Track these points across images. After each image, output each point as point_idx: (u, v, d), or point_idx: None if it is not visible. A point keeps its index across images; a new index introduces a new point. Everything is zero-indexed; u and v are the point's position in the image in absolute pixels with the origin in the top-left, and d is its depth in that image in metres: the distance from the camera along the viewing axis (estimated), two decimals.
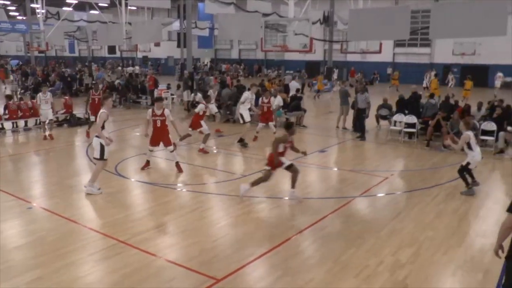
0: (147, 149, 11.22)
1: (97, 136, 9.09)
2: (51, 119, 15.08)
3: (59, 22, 27.80)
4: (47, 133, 14.64)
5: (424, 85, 31.25)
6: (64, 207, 8.44)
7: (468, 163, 9.41)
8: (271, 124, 14.53)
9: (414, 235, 7.35)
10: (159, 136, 10.89)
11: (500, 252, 4.48)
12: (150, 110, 10.97)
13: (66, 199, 8.93)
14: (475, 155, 9.37)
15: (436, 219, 8.10)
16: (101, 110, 9.16)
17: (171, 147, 10.96)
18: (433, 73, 31.34)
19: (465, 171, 9.49)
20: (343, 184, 10.40)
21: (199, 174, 11.30)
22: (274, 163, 8.75)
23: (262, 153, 13.24)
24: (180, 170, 10.97)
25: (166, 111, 10.86)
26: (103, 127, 9.03)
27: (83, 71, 33.87)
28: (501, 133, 13.04)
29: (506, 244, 4.47)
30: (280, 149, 8.78)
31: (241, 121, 14.52)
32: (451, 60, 36.26)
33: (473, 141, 9.37)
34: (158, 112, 10.76)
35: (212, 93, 16.92)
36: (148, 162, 11.19)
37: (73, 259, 6.33)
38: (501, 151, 13.09)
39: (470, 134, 9.37)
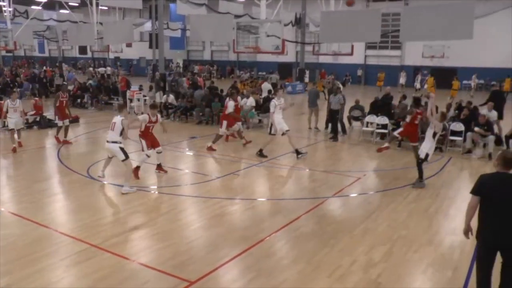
0: (145, 156, 10.71)
1: (114, 142, 9.55)
2: (21, 128, 13.70)
3: (27, 21, 27.16)
4: (15, 144, 13.20)
5: (417, 87, 32.49)
6: (35, 211, 8.28)
7: (427, 155, 9.83)
8: (237, 124, 14.34)
9: (387, 234, 7.47)
10: (152, 139, 10.80)
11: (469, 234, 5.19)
12: (146, 116, 10.54)
13: (36, 203, 8.75)
14: (432, 147, 9.91)
15: (408, 218, 8.25)
16: (121, 118, 9.58)
17: (161, 148, 10.95)
18: (420, 74, 32.58)
19: (422, 163, 10.01)
20: (316, 184, 10.49)
21: (172, 176, 11.21)
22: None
23: (234, 154, 13.27)
24: (163, 171, 11.06)
25: (159, 116, 10.94)
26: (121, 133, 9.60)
27: (54, 72, 33.23)
28: (469, 134, 13.36)
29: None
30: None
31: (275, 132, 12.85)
32: (421, 62, 36.95)
33: (438, 132, 9.89)
34: (154, 119, 10.62)
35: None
36: (138, 168, 10.64)
37: (44, 264, 6.22)
38: (469, 151, 13.42)
39: (442, 125, 9.96)
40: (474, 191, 5.03)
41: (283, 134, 12.79)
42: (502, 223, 4.80)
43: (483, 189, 4.94)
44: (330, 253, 6.70)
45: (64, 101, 14.55)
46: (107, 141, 9.71)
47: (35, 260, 6.31)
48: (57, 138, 14.33)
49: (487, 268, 4.95)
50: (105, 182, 10.23)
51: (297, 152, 12.73)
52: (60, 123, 14.48)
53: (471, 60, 34.92)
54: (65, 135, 14.34)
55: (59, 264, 6.25)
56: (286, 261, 6.49)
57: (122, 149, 9.58)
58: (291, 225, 7.82)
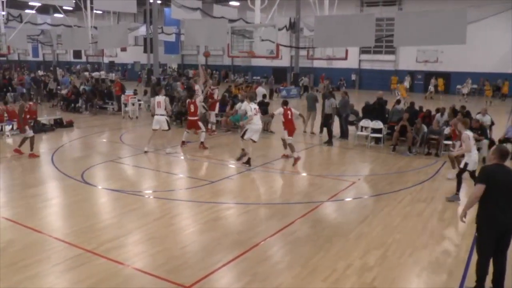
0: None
1: (162, 115, 13.41)
2: None
3: (21, 25, 27.11)
4: None
5: (431, 90, 33.21)
6: (28, 216, 8.22)
7: (466, 164, 9.40)
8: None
9: (381, 238, 7.47)
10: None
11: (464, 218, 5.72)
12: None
13: (29, 209, 8.70)
14: (472, 155, 9.37)
15: (403, 222, 8.27)
16: (165, 97, 13.74)
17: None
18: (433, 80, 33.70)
19: (462, 174, 9.55)
20: (311, 189, 10.49)
21: (166, 181, 11.20)
22: None
23: (229, 158, 13.25)
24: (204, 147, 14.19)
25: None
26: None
27: (48, 76, 33.11)
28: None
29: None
30: None
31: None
32: (415, 67, 37.20)
33: (472, 141, 9.42)
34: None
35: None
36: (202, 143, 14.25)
37: (36, 270, 6.16)
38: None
39: (469, 133, 9.45)
40: (482, 181, 5.43)
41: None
42: (505, 207, 5.37)
43: (491, 178, 5.40)
44: (325, 257, 6.69)
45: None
46: (156, 115, 13.50)
47: (28, 266, 6.26)
48: (17, 150, 13.22)
49: (488, 253, 5.50)
50: (99, 187, 10.21)
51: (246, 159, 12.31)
52: (30, 133, 13.09)
53: (465, 65, 35.17)
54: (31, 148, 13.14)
55: (52, 270, 6.19)
56: (281, 265, 6.47)
57: (167, 121, 13.58)
58: (286, 230, 7.80)
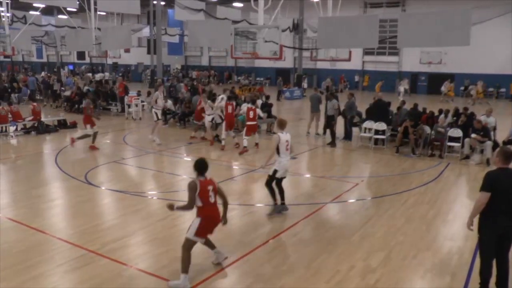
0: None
1: (152, 107, 15.39)
2: None
3: (25, 26, 27.21)
4: None
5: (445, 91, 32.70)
6: (32, 217, 8.25)
7: (275, 171, 8.35)
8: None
9: (385, 239, 7.46)
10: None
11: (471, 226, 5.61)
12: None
13: (34, 209, 8.73)
14: (282, 161, 8.32)
15: (406, 223, 8.25)
16: (156, 92, 15.63)
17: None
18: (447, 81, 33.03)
19: (273, 181, 8.49)
20: (314, 190, 10.48)
21: (169, 181, 11.21)
22: None
23: (232, 159, 13.26)
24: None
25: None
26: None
27: (50, 76, 33.21)
28: (467, 140, 13.39)
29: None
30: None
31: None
32: (419, 68, 37.11)
33: (282, 145, 8.28)
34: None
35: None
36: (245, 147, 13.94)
37: (40, 270, 6.19)
38: (467, 157, 13.45)
39: (281, 136, 8.33)
40: (487, 188, 5.38)
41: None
42: (506, 211, 5.36)
43: (495, 184, 5.35)
44: (328, 259, 6.69)
45: None
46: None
47: (31, 266, 6.28)
48: None
49: (490, 255, 5.52)
50: (102, 188, 10.22)
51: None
52: None
53: (468, 66, 35.07)
54: None
55: (56, 271, 6.21)
56: (284, 267, 6.47)
57: (156, 113, 15.12)
58: (289, 231, 7.81)
